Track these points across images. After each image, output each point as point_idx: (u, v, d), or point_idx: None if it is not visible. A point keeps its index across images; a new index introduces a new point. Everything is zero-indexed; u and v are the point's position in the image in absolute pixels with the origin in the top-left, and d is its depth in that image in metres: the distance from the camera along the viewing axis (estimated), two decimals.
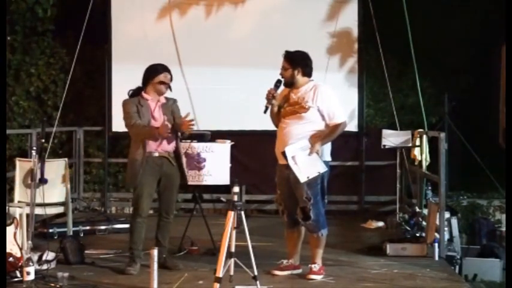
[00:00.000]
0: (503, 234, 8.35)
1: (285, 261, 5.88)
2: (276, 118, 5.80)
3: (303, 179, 5.50)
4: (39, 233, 7.16)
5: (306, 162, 5.51)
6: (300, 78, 5.70)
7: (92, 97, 9.77)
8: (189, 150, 6.81)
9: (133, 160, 5.83)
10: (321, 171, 5.55)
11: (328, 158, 5.73)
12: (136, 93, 5.94)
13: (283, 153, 5.54)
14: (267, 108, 5.76)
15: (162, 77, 5.88)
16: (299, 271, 5.86)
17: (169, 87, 5.96)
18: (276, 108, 5.77)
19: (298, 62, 5.69)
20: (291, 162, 5.50)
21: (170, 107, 5.97)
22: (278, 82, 5.72)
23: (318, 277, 5.67)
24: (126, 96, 5.93)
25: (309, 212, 5.59)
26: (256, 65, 9.03)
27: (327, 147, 5.72)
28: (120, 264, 6.06)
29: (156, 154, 5.84)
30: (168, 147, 5.89)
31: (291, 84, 5.72)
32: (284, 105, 5.73)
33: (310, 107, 5.59)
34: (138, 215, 5.87)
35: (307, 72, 5.74)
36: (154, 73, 5.90)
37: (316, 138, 5.57)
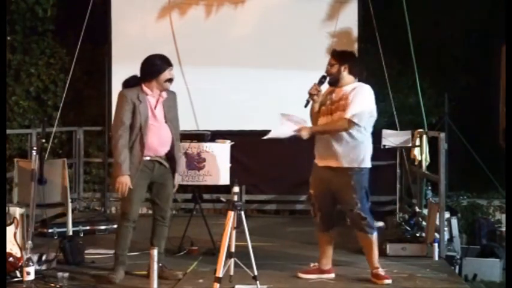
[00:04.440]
0: (503, 234, 8.33)
1: (312, 264, 5.76)
2: (315, 116, 5.59)
3: None
4: (39, 233, 7.16)
5: None
6: (345, 75, 5.49)
7: (92, 97, 9.76)
8: (189, 150, 6.81)
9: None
10: None
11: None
12: (132, 83, 5.52)
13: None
14: (308, 102, 5.53)
15: (167, 74, 5.49)
16: (330, 276, 5.67)
17: None
18: (317, 106, 5.55)
19: (346, 59, 5.52)
20: None
21: (171, 105, 5.61)
22: (323, 78, 5.50)
23: (389, 281, 5.51)
24: None
25: (359, 214, 5.56)
26: (256, 65, 9.04)
27: (369, 153, 5.66)
28: None
29: (148, 158, 5.49)
30: (161, 152, 5.55)
31: (336, 81, 5.50)
32: (326, 103, 5.51)
33: None
34: (127, 220, 5.54)
35: (354, 71, 5.54)
36: (160, 70, 5.46)
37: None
